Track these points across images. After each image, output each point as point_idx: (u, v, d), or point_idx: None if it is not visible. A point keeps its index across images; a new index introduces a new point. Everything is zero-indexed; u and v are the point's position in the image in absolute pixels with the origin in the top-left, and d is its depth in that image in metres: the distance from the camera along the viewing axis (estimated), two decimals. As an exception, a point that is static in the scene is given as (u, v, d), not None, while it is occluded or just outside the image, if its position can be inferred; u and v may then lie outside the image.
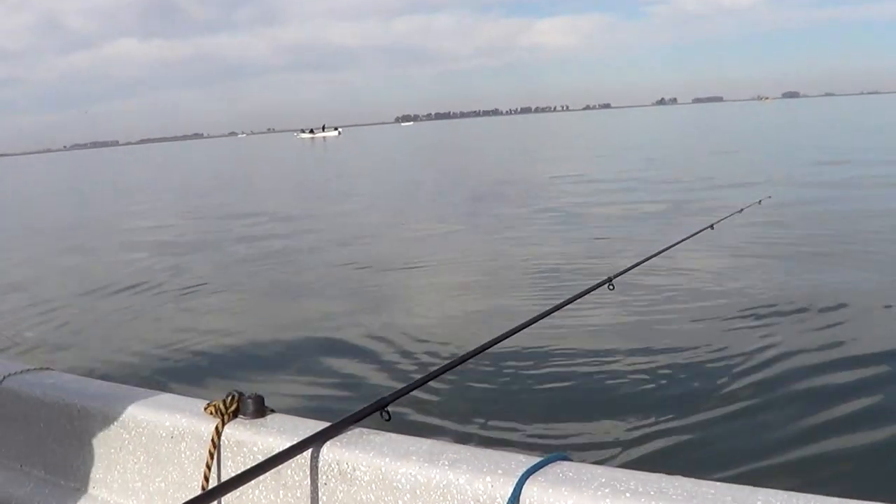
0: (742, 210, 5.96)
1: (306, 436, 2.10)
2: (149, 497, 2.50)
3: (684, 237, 4.43)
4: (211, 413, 2.31)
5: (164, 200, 32.52)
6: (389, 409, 2.23)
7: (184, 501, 2.24)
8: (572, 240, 13.90)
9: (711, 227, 4.96)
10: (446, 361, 2.46)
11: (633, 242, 12.43)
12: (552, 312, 2.94)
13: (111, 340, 8.84)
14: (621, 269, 3.49)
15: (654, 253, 3.89)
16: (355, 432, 2.14)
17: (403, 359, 6.90)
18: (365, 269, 12.38)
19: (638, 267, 3.62)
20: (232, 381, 6.34)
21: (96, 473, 2.66)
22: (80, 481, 2.72)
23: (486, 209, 19.67)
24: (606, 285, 3.35)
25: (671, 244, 4.18)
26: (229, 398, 2.29)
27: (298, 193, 30.01)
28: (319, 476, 2.08)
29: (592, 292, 3.23)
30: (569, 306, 3.04)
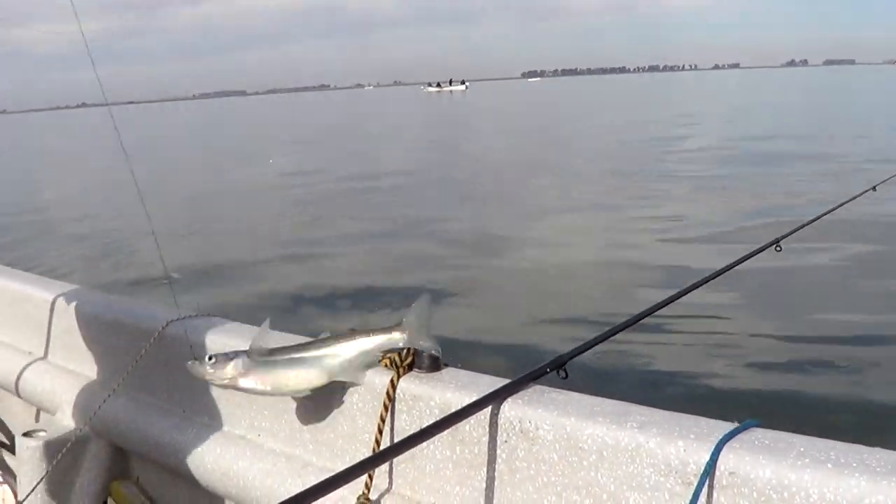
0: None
1: (483, 391, 2.10)
2: (317, 447, 2.54)
3: (846, 199, 4.26)
4: (386, 366, 2.33)
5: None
6: (567, 367, 2.20)
7: (361, 455, 2.28)
8: (731, 197, 13.78)
9: (874, 188, 4.75)
10: (622, 319, 2.42)
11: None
12: (721, 274, 2.87)
13: (275, 289, 9.10)
14: (788, 231, 3.38)
15: (819, 214, 3.76)
16: (536, 390, 2.12)
17: (577, 315, 6.91)
18: (537, 227, 12.45)
19: (801, 228, 3.51)
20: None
21: (262, 422, 2.71)
22: (246, 429, 2.78)
23: (640, 167, 19.69)
24: (774, 247, 3.25)
25: (835, 205, 4.03)
26: (405, 351, 2.30)
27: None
28: (499, 433, 2.07)
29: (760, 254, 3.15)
30: (736, 267, 2.96)
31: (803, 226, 3.57)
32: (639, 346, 5.62)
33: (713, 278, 2.81)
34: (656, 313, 2.54)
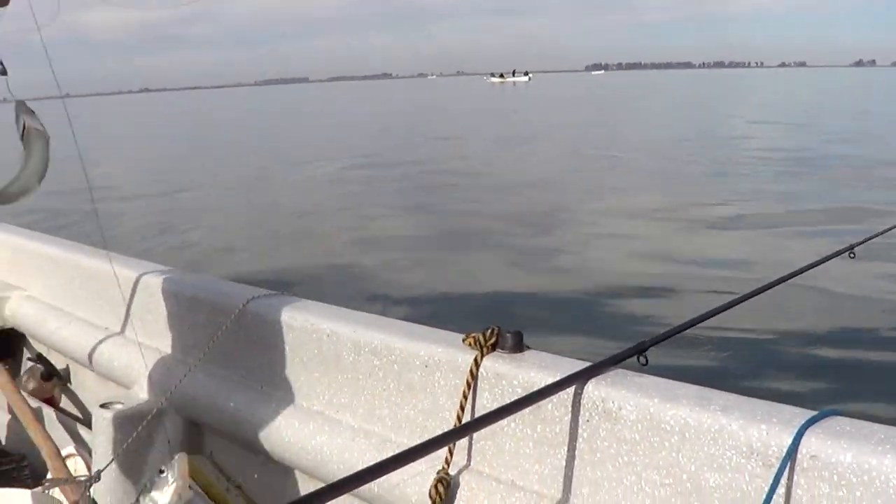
0: None
1: (565, 373, 2.16)
2: (396, 424, 2.62)
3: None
4: (469, 345, 2.40)
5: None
6: (647, 354, 2.27)
7: (441, 432, 2.36)
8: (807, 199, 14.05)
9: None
10: (699, 312, 2.49)
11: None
12: (796, 275, 2.92)
13: (357, 274, 9.37)
14: (863, 238, 3.42)
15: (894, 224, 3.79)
16: (618, 373, 2.19)
17: (659, 304, 7.09)
18: (615, 214, 12.76)
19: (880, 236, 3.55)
20: (484, 317, 6.69)
21: (341, 398, 2.80)
22: (324, 406, 2.86)
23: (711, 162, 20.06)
24: (848, 253, 3.29)
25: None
26: (489, 331, 2.38)
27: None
28: (582, 412, 2.14)
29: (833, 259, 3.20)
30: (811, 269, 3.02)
31: (878, 234, 3.61)
32: (714, 339, 5.76)
33: (789, 279, 2.87)
34: (732, 309, 2.60)
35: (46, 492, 3.40)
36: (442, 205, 15.82)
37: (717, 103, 63.20)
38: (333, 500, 2.75)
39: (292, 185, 20.27)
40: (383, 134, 37.70)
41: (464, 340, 2.43)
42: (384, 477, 2.34)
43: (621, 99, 78.36)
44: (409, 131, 39.71)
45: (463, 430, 2.25)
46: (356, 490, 2.48)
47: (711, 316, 2.50)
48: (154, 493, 2.42)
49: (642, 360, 2.26)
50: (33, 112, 2.81)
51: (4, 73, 2.65)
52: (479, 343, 2.36)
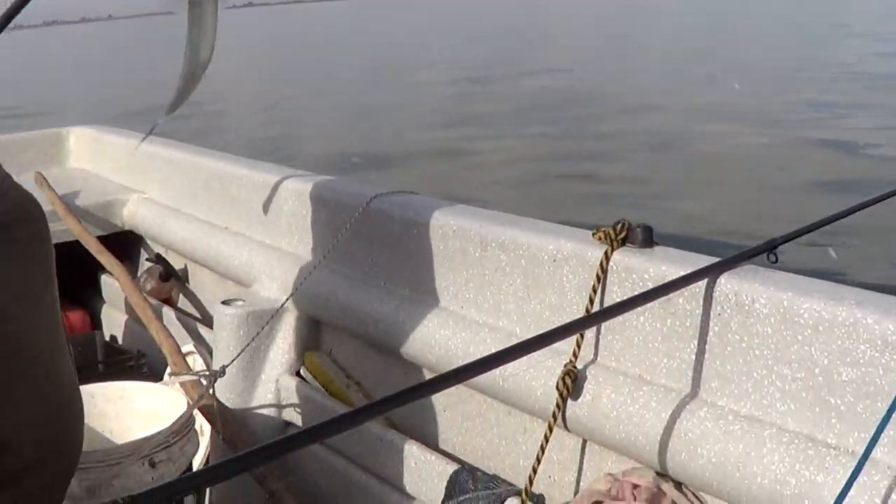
0: None
1: (696, 267, 2.21)
2: (521, 318, 2.69)
3: None
4: (599, 239, 2.45)
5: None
6: (777, 252, 2.31)
7: (570, 319, 2.44)
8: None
9: None
10: (838, 209, 2.51)
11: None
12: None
13: (474, 171, 9.58)
14: None
15: None
16: (749, 268, 2.23)
17: (792, 201, 7.15)
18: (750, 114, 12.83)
19: None
20: (614, 210, 6.81)
21: (466, 293, 2.89)
22: (448, 301, 2.96)
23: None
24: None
25: None
26: (618, 226, 2.42)
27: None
28: (713, 306, 2.18)
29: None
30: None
31: None
32: (847, 239, 5.78)
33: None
34: (865, 210, 2.61)
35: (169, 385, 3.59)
36: (556, 104, 15.97)
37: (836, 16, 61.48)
38: (457, 392, 2.87)
39: (400, 92, 20.64)
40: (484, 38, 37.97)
41: (593, 235, 2.48)
42: (510, 368, 2.45)
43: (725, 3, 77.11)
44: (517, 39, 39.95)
45: (591, 319, 2.32)
46: (481, 382, 2.60)
47: (845, 216, 2.52)
48: None
49: (772, 257, 2.30)
50: None
51: None
52: (609, 237, 2.41)
